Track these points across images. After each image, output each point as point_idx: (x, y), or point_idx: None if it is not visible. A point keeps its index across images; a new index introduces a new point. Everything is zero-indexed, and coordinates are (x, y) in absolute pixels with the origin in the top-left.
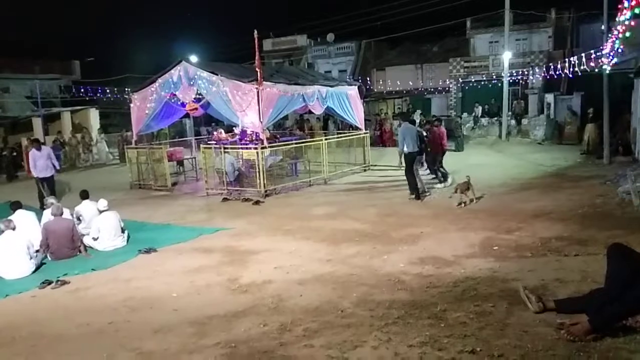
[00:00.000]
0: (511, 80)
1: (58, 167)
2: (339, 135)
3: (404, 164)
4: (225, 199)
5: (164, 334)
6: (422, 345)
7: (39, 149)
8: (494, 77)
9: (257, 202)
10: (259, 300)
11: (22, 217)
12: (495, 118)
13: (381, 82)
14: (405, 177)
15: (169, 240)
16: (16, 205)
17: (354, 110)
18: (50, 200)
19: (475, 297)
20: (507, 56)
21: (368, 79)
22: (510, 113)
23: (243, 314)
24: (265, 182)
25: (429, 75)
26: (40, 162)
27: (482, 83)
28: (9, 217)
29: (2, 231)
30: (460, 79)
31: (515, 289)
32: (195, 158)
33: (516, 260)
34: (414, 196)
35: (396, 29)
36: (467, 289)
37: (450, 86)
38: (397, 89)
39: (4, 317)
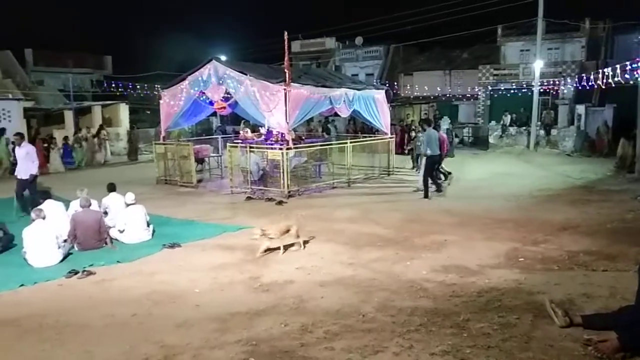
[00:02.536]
0: (541, 90)
1: (35, 172)
2: (364, 139)
3: (423, 166)
4: (249, 198)
5: (187, 329)
6: (444, 354)
7: (19, 146)
8: (524, 85)
9: (280, 202)
10: (280, 299)
11: (51, 207)
12: (524, 127)
13: (408, 87)
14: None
15: (193, 236)
16: (45, 195)
17: (381, 114)
18: (85, 190)
19: (499, 308)
20: (538, 65)
21: (395, 83)
22: (539, 123)
23: (264, 312)
24: (289, 182)
25: (457, 81)
26: (19, 162)
27: (512, 91)
28: (39, 207)
29: (33, 220)
30: (489, 86)
31: (540, 302)
32: (221, 156)
33: (542, 272)
34: (439, 193)
35: (426, 34)
36: (492, 300)
37: (479, 93)
38: (424, 94)
39: (32, 304)
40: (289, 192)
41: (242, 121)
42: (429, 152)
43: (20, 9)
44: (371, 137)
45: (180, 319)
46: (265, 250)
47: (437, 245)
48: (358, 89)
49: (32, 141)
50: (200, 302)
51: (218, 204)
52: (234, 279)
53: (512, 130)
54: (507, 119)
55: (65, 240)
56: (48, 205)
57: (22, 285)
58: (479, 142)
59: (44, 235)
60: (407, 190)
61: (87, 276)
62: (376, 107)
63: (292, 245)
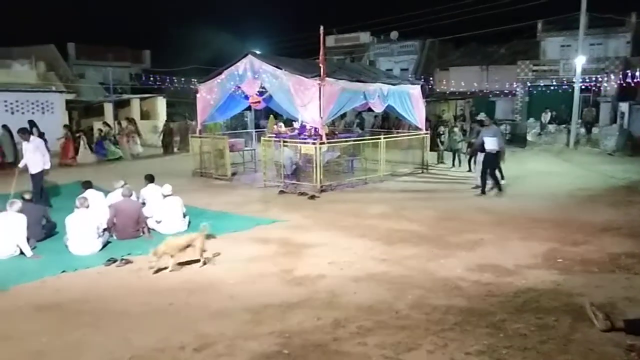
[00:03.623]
0: (583, 87)
1: (48, 166)
2: (398, 135)
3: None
4: (281, 192)
5: (221, 319)
6: (479, 354)
7: (27, 141)
8: (565, 82)
9: (312, 197)
10: (313, 293)
11: (92, 196)
12: (564, 125)
13: (444, 83)
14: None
15: (227, 228)
16: (87, 185)
17: (416, 109)
18: (121, 182)
19: (537, 310)
20: (580, 61)
21: (430, 78)
22: (580, 121)
23: (297, 305)
24: (321, 177)
25: (495, 77)
26: (27, 156)
27: (551, 88)
28: (84, 195)
29: (77, 208)
30: (527, 82)
31: (580, 304)
32: (254, 150)
33: (582, 274)
34: (479, 192)
35: (462, 29)
36: (529, 301)
37: (517, 90)
38: (461, 90)
39: (73, 290)
40: (322, 186)
41: (271, 115)
42: (496, 147)
43: (63, 3)
44: (398, 132)
45: (215, 309)
46: (158, 270)
47: (472, 244)
48: (393, 84)
49: (71, 133)
50: (234, 293)
51: (251, 197)
52: (267, 272)
53: (552, 127)
54: (547, 116)
55: (105, 230)
56: (89, 195)
57: (63, 271)
58: (517, 140)
59: (86, 224)
60: (442, 187)
61: (125, 264)
62: (411, 102)
63: (197, 261)
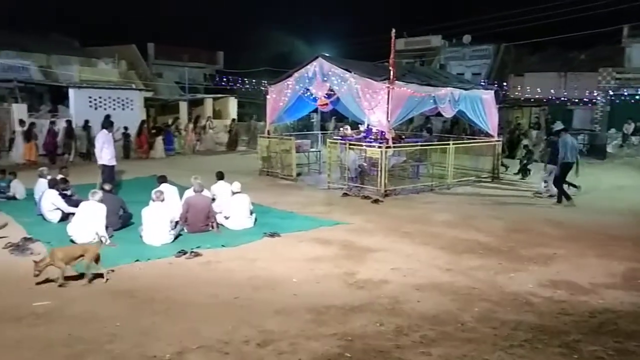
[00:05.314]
0: None
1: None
2: (468, 141)
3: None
4: (345, 194)
5: (284, 317)
6: None
7: (110, 132)
8: None
9: (376, 201)
10: (375, 298)
11: (166, 190)
12: None
13: (518, 89)
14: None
15: (291, 227)
16: (162, 179)
17: (488, 116)
18: (198, 179)
19: (615, 332)
20: None
21: (504, 84)
22: None
23: (359, 309)
24: (386, 181)
25: (573, 84)
26: (111, 149)
27: (636, 97)
28: (160, 189)
29: (153, 201)
30: (610, 91)
31: None
32: (320, 152)
33: None
34: (568, 202)
35: (540, 33)
36: (606, 322)
37: (597, 98)
38: (536, 96)
39: (145, 278)
40: (386, 191)
41: (333, 117)
42: (564, 159)
43: (145, 5)
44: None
45: (279, 305)
46: (44, 281)
47: (545, 259)
48: (465, 89)
49: (153, 129)
50: (298, 291)
51: (315, 198)
52: (329, 273)
53: (635, 139)
54: (630, 127)
55: (177, 222)
56: (163, 189)
57: (137, 260)
58: (595, 151)
59: (161, 216)
60: (513, 197)
61: (194, 257)
62: (483, 108)
63: (83, 276)
